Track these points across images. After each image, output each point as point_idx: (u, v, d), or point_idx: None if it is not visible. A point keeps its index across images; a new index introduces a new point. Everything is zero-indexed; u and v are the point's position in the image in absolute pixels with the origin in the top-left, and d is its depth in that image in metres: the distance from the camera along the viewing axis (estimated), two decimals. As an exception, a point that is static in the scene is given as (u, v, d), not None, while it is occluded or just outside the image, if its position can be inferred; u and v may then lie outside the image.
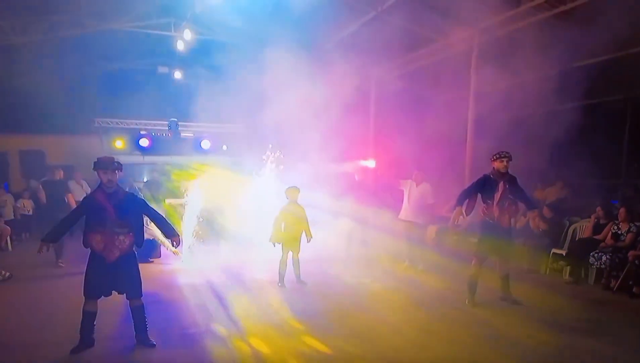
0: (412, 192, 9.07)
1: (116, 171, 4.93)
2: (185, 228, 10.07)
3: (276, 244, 7.75)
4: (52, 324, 5.70)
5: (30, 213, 12.60)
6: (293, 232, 7.75)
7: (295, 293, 7.34)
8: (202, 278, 8.37)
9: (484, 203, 6.55)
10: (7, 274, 8.03)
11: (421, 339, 5.32)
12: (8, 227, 11.06)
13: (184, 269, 9.13)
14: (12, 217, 11.92)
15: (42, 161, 14.89)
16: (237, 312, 6.31)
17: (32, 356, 4.77)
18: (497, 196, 6.38)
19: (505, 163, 6.36)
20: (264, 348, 5.05)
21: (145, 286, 7.30)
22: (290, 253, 7.82)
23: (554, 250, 8.51)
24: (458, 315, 6.17)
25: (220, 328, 5.68)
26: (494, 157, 6.45)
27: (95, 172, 4.93)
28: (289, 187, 7.92)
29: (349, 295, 7.24)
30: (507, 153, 6.40)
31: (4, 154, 14.70)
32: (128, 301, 5.06)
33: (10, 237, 11.13)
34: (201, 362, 4.71)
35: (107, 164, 4.88)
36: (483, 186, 6.52)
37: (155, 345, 5.03)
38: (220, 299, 6.99)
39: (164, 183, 14.14)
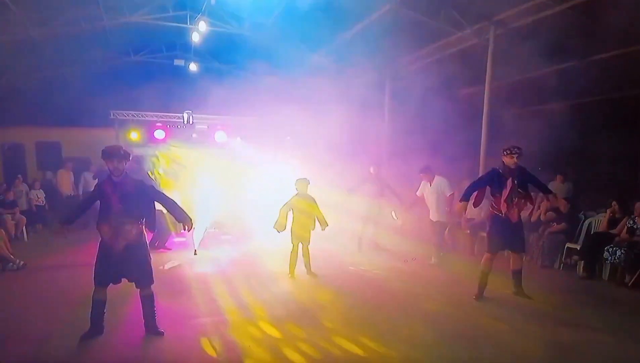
0: (428, 192, 9.11)
1: (123, 160, 4.90)
2: (198, 218, 10.13)
3: (280, 231, 7.76)
4: (64, 312, 5.77)
5: (43, 203, 12.75)
6: (303, 223, 7.77)
7: (305, 285, 7.36)
8: (214, 268, 8.48)
9: (492, 196, 6.50)
10: (22, 263, 8.18)
11: (426, 333, 5.31)
12: (24, 217, 11.26)
13: (196, 259, 9.21)
14: (27, 208, 12.13)
15: (58, 153, 15.08)
16: (246, 302, 6.38)
17: (43, 343, 4.83)
18: (506, 192, 6.29)
19: (515, 159, 6.25)
20: (271, 338, 5.09)
21: (157, 276, 7.52)
22: (301, 244, 7.84)
23: (568, 245, 8.41)
24: (466, 310, 6.13)
25: (229, 318, 5.72)
26: (505, 152, 6.33)
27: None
28: (299, 179, 7.94)
29: (358, 287, 7.25)
30: (517, 148, 6.28)
31: (21, 145, 14.92)
32: (139, 291, 5.09)
33: (25, 227, 11.32)
34: (210, 350, 4.74)
35: (112, 153, 4.86)
36: (491, 181, 6.47)
37: (163, 333, 5.07)
38: (230, 289, 7.06)
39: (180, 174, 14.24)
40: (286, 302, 6.47)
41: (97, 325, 4.98)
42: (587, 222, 8.61)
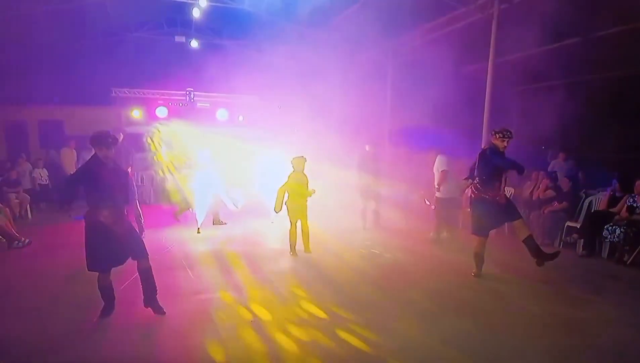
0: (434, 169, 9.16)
1: (112, 146, 4.87)
2: (199, 198, 10.20)
3: (278, 212, 7.89)
4: (67, 291, 5.84)
5: (47, 182, 12.80)
6: (298, 202, 7.80)
7: (305, 263, 7.42)
8: (217, 247, 8.54)
9: (479, 178, 6.39)
10: (27, 240, 8.28)
11: (428, 309, 5.38)
12: (27, 196, 11.34)
13: (199, 238, 9.29)
14: (31, 186, 12.21)
15: (61, 131, 15.08)
16: (246, 280, 6.47)
17: (46, 321, 4.91)
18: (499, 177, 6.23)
19: (506, 143, 6.15)
20: (265, 315, 5.16)
21: (161, 255, 7.55)
22: (299, 223, 7.87)
23: (568, 223, 8.44)
24: (468, 287, 6.20)
25: (228, 295, 5.81)
26: (496, 135, 6.21)
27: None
28: (295, 156, 7.91)
29: (358, 265, 7.33)
30: (510, 132, 6.19)
31: (24, 124, 14.92)
32: (137, 265, 5.08)
33: (29, 206, 11.41)
34: (208, 326, 4.83)
35: (101, 140, 4.81)
36: (481, 160, 6.35)
37: (165, 313, 5.08)
38: (232, 267, 7.15)
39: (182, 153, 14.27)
40: (285, 280, 6.56)
41: (109, 304, 5.04)
42: (587, 200, 8.63)
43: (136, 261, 5.05)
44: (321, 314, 5.17)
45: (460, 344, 4.39)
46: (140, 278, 5.11)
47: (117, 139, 5.01)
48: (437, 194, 9.00)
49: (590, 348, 4.37)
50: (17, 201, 10.96)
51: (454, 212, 9.22)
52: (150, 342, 4.37)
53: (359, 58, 15.85)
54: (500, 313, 5.30)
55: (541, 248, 6.46)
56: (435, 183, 8.97)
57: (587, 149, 12.75)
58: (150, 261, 5.12)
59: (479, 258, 6.55)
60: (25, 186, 11.86)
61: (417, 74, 13.85)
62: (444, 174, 8.81)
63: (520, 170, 6.23)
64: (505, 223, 6.68)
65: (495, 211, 6.28)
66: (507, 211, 6.37)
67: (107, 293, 5.01)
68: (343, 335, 4.55)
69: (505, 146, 6.16)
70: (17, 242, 8.20)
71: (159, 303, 5.12)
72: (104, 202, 4.75)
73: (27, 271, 6.84)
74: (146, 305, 5.09)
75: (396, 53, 15.53)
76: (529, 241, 6.37)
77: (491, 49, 11.33)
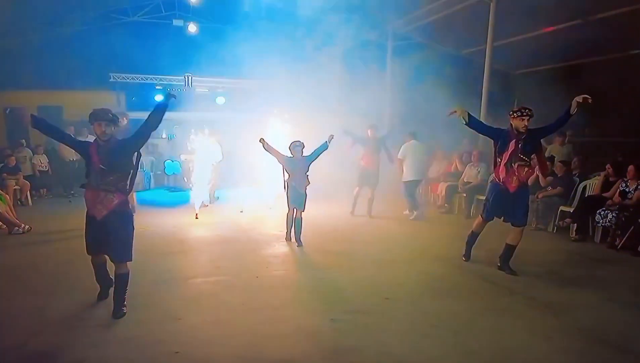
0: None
1: (111, 124, 4.57)
2: (198, 182, 10.27)
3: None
4: (66, 276, 5.91)
5: (46, 169, 12.86)
6: (295, 189, 7.64)
7: (299, 248, 7.47)
8: (214, 232, 8.63)
9: (495, 158, 6.02)
10: (27, 227, 8.35)
11: (415, 289, 5.47)
12: (28, 182, 11.43)
13: (197, 223, 9.37)
14: (31, 173, 12.29)
15: (60, 117, 15.09)
16: (241, 264, 6.54)
17: (45, 306, 4.93)
18: (506, 155, 5.84)
19: (525, 122, 5.65)
20: (259, 298, 5.23)
21: (159, 240, 7.65)
22: (295, 210, 7.74)
23: (561, 208, 8.46)
24: (458, 270, 6.25)
25: (226, 279, 5.88)
26: (515, 114, 5.71)
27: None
28: (293, 142, 7.73)
29: (351, 250, 7.37)
30: (529, 109, 5.67)
31: (23, 109, 14.91)
32: (115, 268, 4.72)
33: (30, 192, 11.51)
34: (206, 310, 4.88)
35: (100, 116, 4.52)
36: (498, 137, 5.92)
37: (125, 314, 4.66)
38: (228, 252, 7.21)
39: (182, 139, 14.36)
40: (281, 263, 6.65)
41: (103, 287, 4.98)
42: (582, 185, 8.63)
43: (114, 263, 4.72)
44: (316, 299, 5.22)
45: (447, 325, 4.46)
46: (115, 281, 4.75)
47: (117, 118, 4.69)
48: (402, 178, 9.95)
49: (572, 328, 4.44)
50: (17, 187, 11.04)
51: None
52: (144, 326, 4.42)
53: (357, 41, 15.74)
54: (488, 295, 5.35)
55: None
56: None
57: (586, 134, 12.72)
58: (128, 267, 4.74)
59: (472, 238, 6.47)
60: (26, 172, 11.92)
61: (416, 57, 13.80)
62: (399, 162, 9.95)
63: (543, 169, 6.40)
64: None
65: (505, 200, 5.96)
66: (514, 208, 5.98)
67: (99, 273, 4.89)
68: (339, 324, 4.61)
69: (525, 126, 5.67)
70: (17, 228, 8.26)
71: (122, 310, 4.66)
72: (88, 181, 4.58)
73: (28, 257, 6.87)
74: (115, 315, 4.63)
75: (395, 36, 15.44)
76: (510, 249, 6.13)
77: (489, 32, 11.27)
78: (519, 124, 5.69)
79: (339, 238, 8.12)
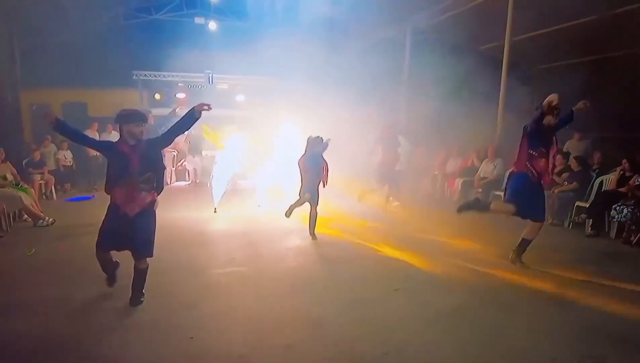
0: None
1: (142, 124, 4.64)
2: (218, 178, 10.47)
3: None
4: (87, 268, 6.04)
5: (71, 164, 13.15)
6: (311, 183, 7.66)
7: (313, 241, 7.59)
8: (231, 225, 8.86)
9: (531, 151, 5.83)
10: (51, 220, 8.64)
11: (426, 284, 5.51)
12: (52, 177, 11.76)
13: (216, 216, 9.59)
14: (55, 167, 12.61)
15: (84, 114, 15.48)
16: (259, 256, 6.75)
17: (66, 294, 5.12)
18: (552, 151, 5.80)
19: (556, 119, 5.68)
20: (276, 288, 5.38)
21: (178, 232, 7.88)
22: (309, 205, 7.75)
23: (577, 203, 8.44)
24: (468, 264, 6.26)
25: (237, 270, 6.08)
26: (547, 110, 5.58)
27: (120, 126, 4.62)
28: (310, 137, 7.77)
29: (362, 243, 7.45)
30: (558, 104, 5.63)
31: (48, 106, 15.30)
32: (136, 262, 4.81)
33: (54, 186, 11.82)
34: (221, 299, 5.03)
35: (140, 117, 4.63)
36: (537, 128, 5.73)
37: (142, 302, 4.85)
38: (245, 244, 7.43)
39: (203, 136, 14.61)
40: (292, 257, 6.78)
41: (111, 275, 5.07)
42: (598, 180, 8.59)
43: (136, 257, 4.81)
44: (325, 290, 5.33)
45: (452, 318, 4.54)
46: (135, 275, 4.85)
47: (146, 117, 4.78)
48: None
49: (577, 324, 4.45)
50: (42, 181, 11.36)
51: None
52: (162, 312, 4.61)
53: (375, 36, 15.77)
54: (495, 288, 5.40)
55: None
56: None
57: (605, 129, 12.57)
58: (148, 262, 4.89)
59: (498, 212, 6.29)
60: (50, 167, 12.24)
61: (436, 52, 13.76)
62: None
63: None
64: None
65: (530, 192, 5.89)
66: (538, 200, 5.97)
67: (107, 265, 4.95)
68: (345, 315, 4.72)
69: (556, 122, 5.71)
70: (41, 221, 8.55)
71: (140, 298, 4.86)
72: (120, 180, 4.60)
73: (50, 249, 7.13)
74: (133, 302, 4.81)
75: (415, 30, 15.41)
76: (525, 243, 6.12)
77: (508, 26, 11.22)
78: (552, 120, 5.67)
79: (353, 232, 8.21)
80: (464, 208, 6.39)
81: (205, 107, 4.77)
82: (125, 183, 4.60)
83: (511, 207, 5.98)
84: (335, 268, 6.22)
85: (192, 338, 4.07)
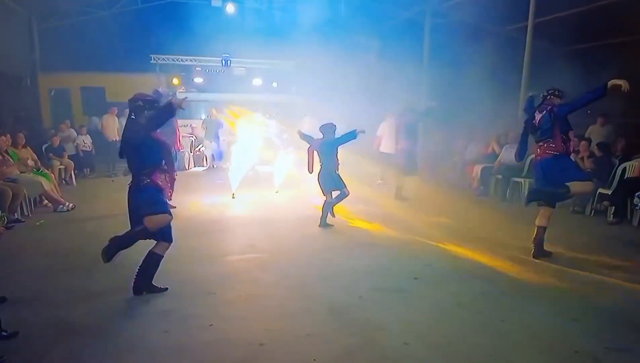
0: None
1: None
2: (236, 164, 10.47)
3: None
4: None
5: (90, 148, 13.21)
6: (324, 171, 7.58)
7: (332, 228, 7.55)
8: (250, 211, 8.88)
9: (562, 134, 5.74)
10: (71, 205, 8.73)
11: (446, 272, 5.47)
12: (72, 162, 11.85)
13: (234, 202, 9.61)
14: (75, 152, 12.68)
15: (102, 98, 15.57)
16: (275, 243, 6.73)
17: (86, 280, 5.19)
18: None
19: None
20: (292, 276, 5.38)
21: (196, 218, 7.95)
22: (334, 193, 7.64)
23: (599, 190, 8.26)
24: (488, 252, 6.18)
25: (256, 256, 6.09)
26: (556, 92, 5.84)
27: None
28: (324, 124, 7.72)
29: (382, 231, 7.45)
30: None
31: (67, 91, 15.44)
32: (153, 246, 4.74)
33: (74, 171, 11.90)
34: (237, 286, 5.05)
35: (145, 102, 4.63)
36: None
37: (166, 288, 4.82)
38: (263, 231, 7.43)
39: (221, 121, 14.64)
40: (310, 244, 6.74)
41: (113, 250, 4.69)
42: (621, 167, 8.40)
43: (159, 241, 4.72)
44: (346, 278, 5.31)
45: (473, 305, 4.54)
46: (146, 259, 4.71)
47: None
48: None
49: (601, 311, 4.42)
50: (62, 166, 11.45)
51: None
52: (181, 300, 4.63)
53: (395, 19, 15.56)
54: (516, 276, 5.35)
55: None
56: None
57: (630, 115, 12.28)
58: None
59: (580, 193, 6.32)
60: (70, 152, 12.32)
61: (456, 35, 13.53)
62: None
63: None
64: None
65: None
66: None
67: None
68: (366, 302, 4.71)
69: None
70: (61, 206, 8.64)
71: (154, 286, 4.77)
72: (161, 165, 4.68)
73: (71, 234, 7.22)
74: (136, 290, 4.69)
75: (434, 13, 15.15)
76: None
77: (531, 7, 10.99)
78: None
79: (371, 220, 8.15)
80: (534, 197, 6.05)
81: (183, 104, 4.60)
82: (167, 169, 4.79)
83: (590, 183, 6.00)
84: (355, 255, 6.19)
85: (211, 325, 4.08)
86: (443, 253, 6.26)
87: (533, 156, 6.25)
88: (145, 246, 4.77)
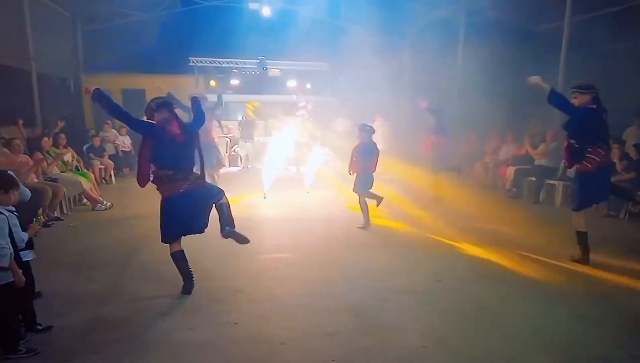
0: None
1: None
2: (269, 165, 10.66)
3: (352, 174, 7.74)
4: (140, 251, 6.38)
5: (129, 149, 13.51)
6: (360, 172, 7.60)
7: (359, 229, 7.59)
8: (280, 211, 9.04)
9: (595, 144, 5.57)
10: (109, 204, 9.06)
11: (468, 275, 5.46)
12: (111, 162, 12.25)
13: (265, 203, 9.77)
14: (114, 152, 13.07)
15: (143, 100, 15.93)
16: (304, 243, 6.86)
17: (118, 278, 5.42)
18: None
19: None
20: (311, 275, 5.52)
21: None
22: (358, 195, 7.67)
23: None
24: (513, 255, 6.14)
25: (283, 256, 6.25)
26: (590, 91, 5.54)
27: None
28: (361, 125, 7.73)
29: (410, 231, 7.47)
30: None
31: (108, 92, 15.86)
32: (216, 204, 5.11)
33: (113, 171, 12.31)
34: (267, 283, 5.23)
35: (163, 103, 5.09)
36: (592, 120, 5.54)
37: (249, 240, 5.19)
38: (293, 231, 7.57)
39: (256, 122, 14.89)
40: (337, 245, 6.80)
41: (189, 279, 4.94)
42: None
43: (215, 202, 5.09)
44: (368, 279, 5.37)
45: (493, 308, 4.54)
46: (218, 211, 5.11)
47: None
48: None
49: (625, 317, 4.38)
50: (102, 166, 11.85)
51: None
52: (208, 297, 4.79)
53: (429, 17, 15.44)
54: (540, 281, 5.32)
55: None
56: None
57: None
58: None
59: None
60: (110, 152, 12.72)
61: (493, 34, 13.36)
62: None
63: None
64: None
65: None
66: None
67: (184, 265, 4.90)
68: (387, 303, 4.78)
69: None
70: (99, 205, 8.98)
71: (237, 232, 5.13)
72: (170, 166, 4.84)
73: (107, 232, 7.49)
74: (225, 233, 5.07)
75: (469, 11, 14.97)
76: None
77: (568, 5, 10.78)
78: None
79: (400, 220, 8.20)
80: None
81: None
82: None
83: None
84: (380, 256, 6.27)
85: (237, 323, 4.22)
86: (468, 255, 6.28)
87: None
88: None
